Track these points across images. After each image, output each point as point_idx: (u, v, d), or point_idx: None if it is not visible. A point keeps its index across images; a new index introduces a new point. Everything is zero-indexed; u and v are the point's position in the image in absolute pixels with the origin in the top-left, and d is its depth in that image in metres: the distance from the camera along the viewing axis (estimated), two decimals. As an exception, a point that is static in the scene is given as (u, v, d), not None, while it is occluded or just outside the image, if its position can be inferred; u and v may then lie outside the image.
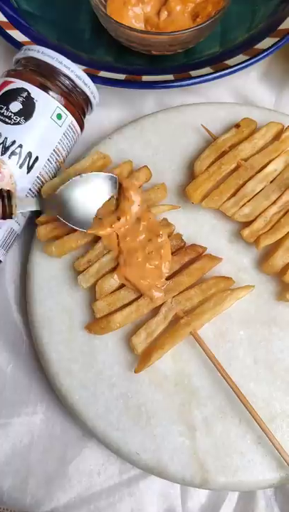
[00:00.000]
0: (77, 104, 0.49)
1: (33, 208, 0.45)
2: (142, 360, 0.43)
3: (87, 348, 0.44)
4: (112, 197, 0.47)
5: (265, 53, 0.52)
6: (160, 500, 0.45)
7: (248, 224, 0.46)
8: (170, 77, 0.52)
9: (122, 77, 0.52)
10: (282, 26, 0.54)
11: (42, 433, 0.46)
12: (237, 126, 0.49)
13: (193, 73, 0.52)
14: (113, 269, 0.45)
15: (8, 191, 0.42)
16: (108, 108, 0.55)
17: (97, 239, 0.46)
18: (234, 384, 0.42)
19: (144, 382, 0.43)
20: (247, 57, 0.52)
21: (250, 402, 0.41)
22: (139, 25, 0.54)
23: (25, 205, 0.44)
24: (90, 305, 0.45)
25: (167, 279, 0.44)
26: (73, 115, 0.48)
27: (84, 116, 0.51)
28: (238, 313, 0.45)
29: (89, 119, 0.53)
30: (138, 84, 0.51)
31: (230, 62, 0.52)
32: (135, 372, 0.42)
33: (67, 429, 0.46)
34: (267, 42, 0.53)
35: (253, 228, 0.46)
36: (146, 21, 0.54)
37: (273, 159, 0.48)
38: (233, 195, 0.47)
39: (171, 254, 0.45)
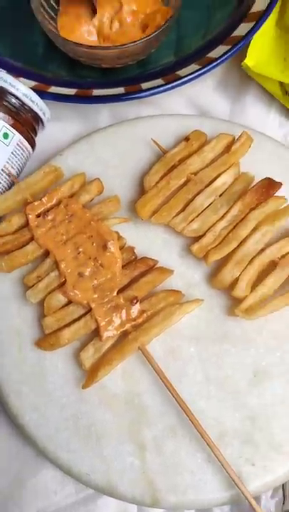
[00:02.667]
0: (26, 122, 0.49)
1: None
2: (89, 375, 0.43)
3: (37, 369, 0.44)
4: None
5: (216, 63, 0.51)
6: (117, 518, 0.45)
7: (197, 239, 0.46)
8: (121, 90, 0.51)
9: (72, 91, 0.52)
10: (235, 33, 0.53)
11: (-3, 453, 0.46)
12: (186, 139, 0.49)
13: (144, 85, 0.51)
14: (62, 284, 0.44)
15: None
16: (64, 122, 0.55)
17: (46, 254, 0.46)
18: (183, 402, 0.41)
19: (94, 403, 0.43)
20: (199, 67, 0.51)
21: (200, 420, 0.41)
22: (92, 38, 0.53)
23: None
24: (40, 322, 0.45)
25: (118, 293, 0.44)
26: (22, 133, 0.48)
27: (35, 134, 0.51)
28: (188, 330, 0.45)
29: (43, 135, 0.53)
30: (87, 99, 0.51)
31: (181, 72, 0.52)
32: (82, 388, 0.42)
33: (22, 449, 0.46)
34: (219, 50, 0.53)
35: (202, 243, 0.46)
36: (98, 33, 0.53)
37: (222, 172, 0.47)
38: (183, 210, 0.47)
39: (122, 267, 0.45)
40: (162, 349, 0.44)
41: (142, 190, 0.49)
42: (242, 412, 0.42)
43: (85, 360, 0.43)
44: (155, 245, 0.47)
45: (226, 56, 0.51)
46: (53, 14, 0.53)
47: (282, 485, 0.44)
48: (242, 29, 0.53)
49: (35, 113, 0.49)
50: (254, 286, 0.44)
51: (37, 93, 0.49)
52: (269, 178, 0.47)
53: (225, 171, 0.47)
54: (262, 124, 0.54)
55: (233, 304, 0.45)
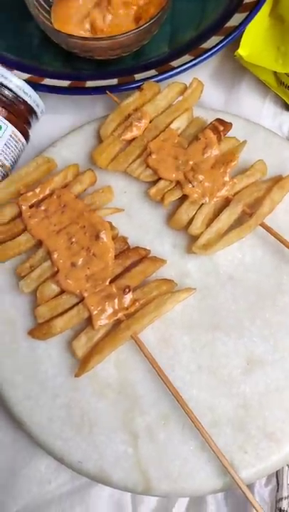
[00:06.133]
0: (20, 114, 0.49)
1: None
2: (82, 364, 0.43)
3: (31, 358, 0.44)
4: None
5: (209, 53, 0.51)
6: (111, 506, 0.45)
7: (154, 183, 0.47)
8: (114, 81, 0.52)
9: (66, 83, 0.52)
10: (229, 24, 0.53)
11: (-8, 442, 0.46)
12: (140, 89, 0.49)
13: (137, 76, 0.52)
14: (55, 274, 0.45)
15: None
16: (60, 114, 0.55)
17: (39, 244, 0.46)
18: (175, 390, 0.41)
19: (87, 391, 0.43)
20: (192, 58, 0.51)
21: (192, 409, 0.41)
22: (86, 30, 0.54)
23: None
24: (33, 312, 0.45)
25: (110, 282, 0.44)
26: (15, 125, 0.48)
27: (29, 126, 0.51)
28: (181, 319, 0.45)
29: (39, 127, 0.53)
30: (81, 91, 0.51)
31: (175, 63, 0.52)
32: (75, 376, 0.43)
33: (16, 438, 0.46)
34: (213, 41, 0.52)
35: (159, 186, 0.47)
36: (91, 26, 0.54)
37: (176, 118, 0.48)
38: (139, 156, 0.48)
39: (115, 257, 0.45)
40: (155, 338, 0.44)
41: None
42: (235, 400, 0.42)
43: (78, 349, 0.43)
44: (148, 235, 0.47)
45: (219, 46, 0.51)
46: (46, 7, 0.53)
47: (276, 473, 0.44)
48: (236, 19, 0.53)
49: (29, 105, 0.49)
50: (210, 223, 0.45)
51: (31, 85, 0.49)
52: (219, 119, 0.48)
53: (178, 116, 0.48)
54: (257, 113, 0.54)
55: (190, 243, 0.46)
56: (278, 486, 0.44)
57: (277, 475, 0.44)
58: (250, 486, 0.44)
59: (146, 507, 0.45)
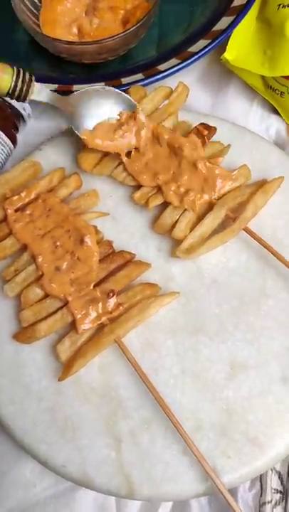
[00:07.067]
0: (6, 119, 0.49)
1: (47, 100, 0.46)
2: (65, 368, 0.43)
3: (15, 362, 0.44)
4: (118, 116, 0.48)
5: (196, 57, 0.51)
6: (95, 510, 0.45)
7: (139, 187, 0.48)
8: (101, 85, 0.51)
9: (53, 87, 0.52)
10: (216, 27, 0.53)
11: (-23, 446, 0.46)
12: (127, 93, 0.49)
13: (124, 80, 0.52)
14: (39, 277, 0.45)
15: (31, 75, 0.42)
16: (49, 118, 0.55)
17: (24, 248, 0.46)
18: (158, 394, 0.42)
19: (71, 395, 0.43)
20: (179, 61, 0.51)
21: (176, 413, 0.41)
22: (74, 34, 0.54)
23: (41, 95, 0.45)
24: (17, 316, 0.45)
25: (94, 286, 0.44)
26: (2, 129, 0.49)
27: (16, 130, 0.51)
28: (165, 323, 0.45)
29: (28, 131, 0.53)
30: (67, 95, 0.51)
31: (161, 67, 0.52)
32: (58, 380, 0.43)
33: (2, 441, 0.46)
34: (200, 44, 0.53)
35: (144, 191, 0.47)
36: (78, 30, 0.54)
37: (162, 121, 0.48)
38: None
39: (99, 261, 0.45)
40: (139, 342, 0.44)
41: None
42: (218, 404, 0.42)
43: (62, 353, 0.43)
44: (133, 239, 0.48)
45: (205, 50, 0.51)
46: (35, 11, 0.53)
47: (260, 477, 0.44)
48: (223, 23, 0.53)
49: (16, 109, 0.50)
50: (193, 227, 0.46)
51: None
52: (203, 123, 0.48)
53: (164, 120, 0.48)
54: (244, 117, 0.54)
55: (173, 246, 0.46)
56: (262, 490, 0.44)
57: (261, 479, 0.44)
58: (234, 491, 0.44)
59: (130, 511, 0.45)
